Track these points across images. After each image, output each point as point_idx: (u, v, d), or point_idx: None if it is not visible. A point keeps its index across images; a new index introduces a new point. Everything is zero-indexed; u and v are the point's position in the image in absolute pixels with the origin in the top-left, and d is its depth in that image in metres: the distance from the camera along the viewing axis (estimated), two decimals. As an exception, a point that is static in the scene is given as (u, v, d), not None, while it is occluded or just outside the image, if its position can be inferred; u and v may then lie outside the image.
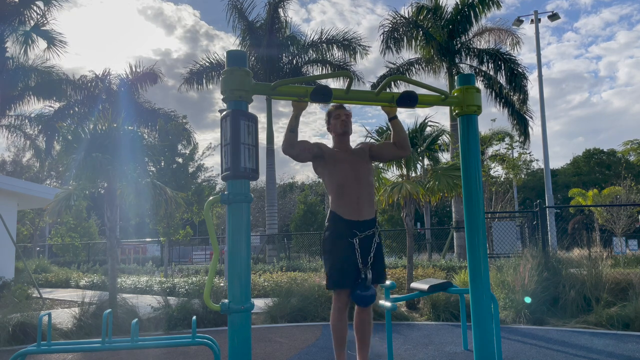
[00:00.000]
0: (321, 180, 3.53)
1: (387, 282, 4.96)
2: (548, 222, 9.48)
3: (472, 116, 3.06)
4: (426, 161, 10.22)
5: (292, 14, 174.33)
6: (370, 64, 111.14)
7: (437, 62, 19.99)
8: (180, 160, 16.49)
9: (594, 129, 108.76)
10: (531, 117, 19.48)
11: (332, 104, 3.41)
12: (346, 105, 3.47)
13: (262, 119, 21.54)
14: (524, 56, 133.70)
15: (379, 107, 3.26)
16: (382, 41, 19.70)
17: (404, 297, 6.45)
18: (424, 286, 5.72)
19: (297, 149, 3.29)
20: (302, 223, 29.47)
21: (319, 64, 21.98)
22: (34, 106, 25.95)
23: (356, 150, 3.47)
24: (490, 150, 21.71)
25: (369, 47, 21.78)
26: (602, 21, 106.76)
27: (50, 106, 23.08)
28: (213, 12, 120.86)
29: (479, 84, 19.31)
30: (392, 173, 9.71)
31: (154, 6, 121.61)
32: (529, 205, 33.59)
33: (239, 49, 21.02)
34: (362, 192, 3.19)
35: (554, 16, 19.88)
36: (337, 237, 3.16)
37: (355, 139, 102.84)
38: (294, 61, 22.23)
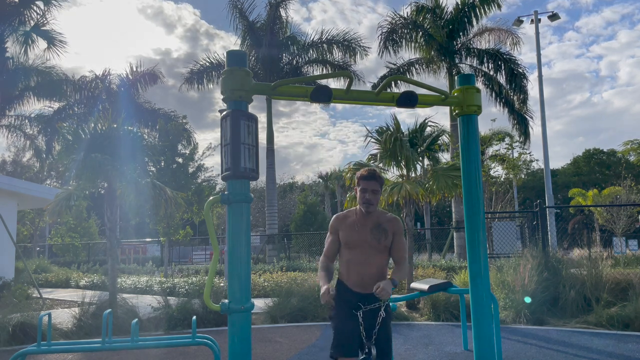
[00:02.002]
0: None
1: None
2: (548, 222, 9.48)
3: (472, 116, 3.06)
4: (426, 161, 10.22)
5: (293, 13, 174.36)
6: (371, 64, 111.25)
7: (437, 62, 20.00)
8: (180, 160, 16.49)
9: (595, 128, 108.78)
10: (531, 117, 19.49)
11: (365, 168, 3.16)
12: (375, 173, 3.10)
13: (262, 119, 21.58)
14: (525, 56, 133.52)
15: (380, 107, 3.20)
16: (380, 43, 19.72)
17: (404, 297, 6.46)
18: (424, 286, 5.73)
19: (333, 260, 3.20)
20: (302, 223, 29.45)
21: (319, 64, 22.00)
22: (34, 106, 25.95)
23: (378, 230, 3.07)
24: (490, 150, 21.72)
25: (369, 47, 21.85)
26: (604, 20, 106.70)
27: (50, 106, 23.11)
28: (213, 11, 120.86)
29: (479, 84, 19.33)
30: (392, 173, 9.72)
31: (153, 5, 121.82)
32: (529, 205, 33.60)
33: (240, 48, 21.03)
34: (370, 272, 3.04)
35: (553, 16, 19.88)
36: (342, 306, 3.05)
37: (356, 139, 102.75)
38: (294, 61, 22.25)
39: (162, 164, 15.85)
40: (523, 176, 22.44)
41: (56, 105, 22.99)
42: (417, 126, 9.69)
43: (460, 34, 19.78)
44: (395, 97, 2.95)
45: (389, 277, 3.12)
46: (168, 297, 8.52)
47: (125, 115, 14.98)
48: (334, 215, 3.25)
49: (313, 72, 22.22)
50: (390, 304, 4.16)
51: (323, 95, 2.77)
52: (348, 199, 9.73)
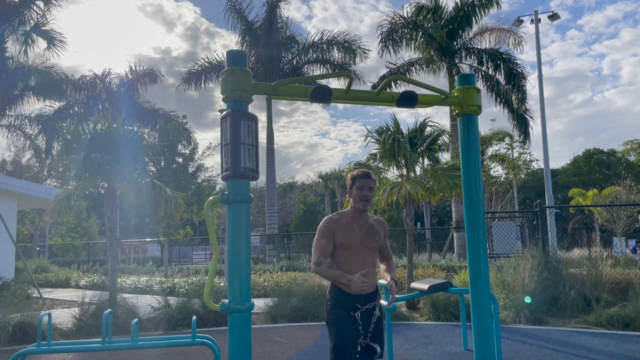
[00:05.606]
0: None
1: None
2: (548, 222, 9.49)
3: (472, 116, 3.06)
4: (426, 161, 10.21)
5: (294, 11, 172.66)
6: (373, 63, 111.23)
7: (437, 62, 19.99)
8: (180, 160, 16.49)
9: (596, 128, 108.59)
10: (532, 117, 19.48)
11: (358, 169, 3.23)
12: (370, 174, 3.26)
13: (262, 118, 21.59)
14: (527, 54, 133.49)
15: (381, 106, 3.21)
16: (380, 42, 19.72)
17: (404, 297, 6.46)
18: (424, 286, 5.72)
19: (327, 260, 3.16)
20: (302, 223, 29.44)
21: (319, 64, 22.00)
22: (34, 106, 26.03)
23: (371, 232, 3.22)
24: (490, 150, 21.74)
25: (369, 50, 21.85)
26: (606, 18, 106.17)
27: (50, 106, 23.14)
28: (213, 9, 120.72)
29: (479, 84, 19.32)
30: (392, 173, 9.71)
31: (153, 3, 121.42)
32: (529, 205, 33.60)
33: (239, 48, 21.04)
34: (366, 273, 3.08)
35: (553, 16, 19.88)
36: (340, 311, 3.08)
37: (357, 139, 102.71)
38: (294, 61, 22.25)
39: (162, 164, 15.85)
40: (523, 176, 22.47)
41: (56, 105, 23.04)
42: (417, 126, 9.68)
43: (461, 33, 19.78)
44: (395, 97, 2.96)
45: (382, 278, 3.20)
46: (168, 297, 8.52)
47: (125, 115, 14.98)
48: (327, 218, 3.26)
49: (313, 71, 22.23)
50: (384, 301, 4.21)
51: (323, 96, 2.77)
52: (348, 199, 9.71)
